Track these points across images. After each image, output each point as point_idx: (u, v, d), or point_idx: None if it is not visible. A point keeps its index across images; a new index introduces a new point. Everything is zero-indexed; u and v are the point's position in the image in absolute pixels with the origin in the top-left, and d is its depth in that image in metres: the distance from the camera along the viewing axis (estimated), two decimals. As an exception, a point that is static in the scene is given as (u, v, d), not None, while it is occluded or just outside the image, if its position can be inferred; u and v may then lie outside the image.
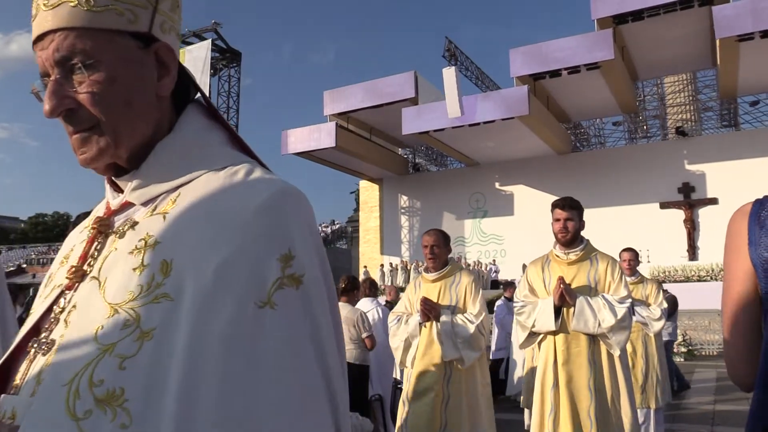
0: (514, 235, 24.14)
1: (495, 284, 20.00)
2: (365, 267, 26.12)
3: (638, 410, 5.11)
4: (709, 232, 20.53)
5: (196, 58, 25.34)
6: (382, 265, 25.52)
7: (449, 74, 18.60)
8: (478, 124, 19.01)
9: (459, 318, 3.58)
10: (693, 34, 18.20)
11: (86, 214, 3.41)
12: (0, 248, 64.14)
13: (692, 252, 21.00)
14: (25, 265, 54.42)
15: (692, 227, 21.23)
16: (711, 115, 24.07)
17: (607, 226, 19.32)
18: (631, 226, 20.96)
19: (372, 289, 6.40)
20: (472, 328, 3.52)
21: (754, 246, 1.09)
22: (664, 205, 21.75)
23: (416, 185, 27.27)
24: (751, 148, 20.28)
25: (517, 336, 3.63)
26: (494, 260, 23.82)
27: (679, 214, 21.52)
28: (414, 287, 3.91)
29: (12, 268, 48.01)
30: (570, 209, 3.45)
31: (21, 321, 2.94)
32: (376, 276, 23.50)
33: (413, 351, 3.69)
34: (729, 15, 15.73)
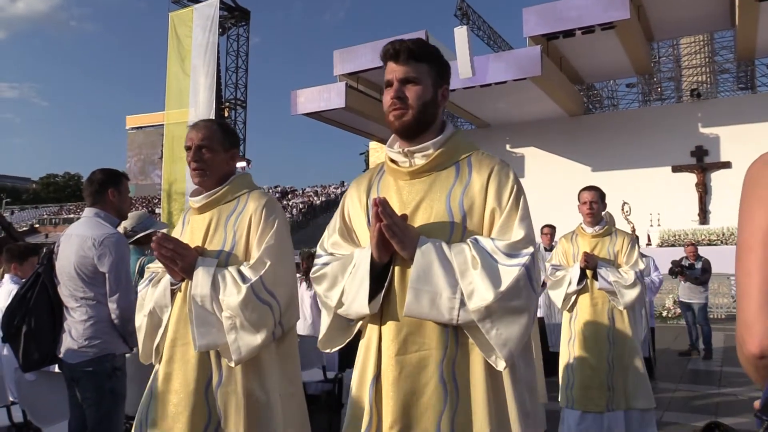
0: (523, 197, 24.04)
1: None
2: (374, 229, 26.20)
3: (601, 414, 3.70)
4: (720, 196, 20.36)
5: (203, 17, 25.02)
6: (391, 227, 25.60)
7: (461, 34, 18.26)
8: (490, 84, 18.73)
9: (229, 272, 1.99)
10: (712, -8, 17.74)
11: (105, 171, 3.36)
12: (12, 208, 64.86)
13: (703, 216, 20.89)
14: (37, 225, 55.25)
15: (704, 191, 21.06)
16: (728, 77, 23.63)
17: (619, 189, 19.18)
18: (643, 189, 20.82)
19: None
20: (243, 290, 1.93)
21: None
22: (676, 169, 21.53)
23: (426, 147, 27.09)
24: (767, 112, 19.94)
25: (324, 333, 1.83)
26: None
27: (691, 178, 21.33)
28: (181, 227, 2.27)
29: (24, 228, 48.63)
30: (413, 62, 1.70)
31: (38, 275, 2.97)
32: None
33: (160, 333, 2.11)
34: (750, -27, 15.28)
